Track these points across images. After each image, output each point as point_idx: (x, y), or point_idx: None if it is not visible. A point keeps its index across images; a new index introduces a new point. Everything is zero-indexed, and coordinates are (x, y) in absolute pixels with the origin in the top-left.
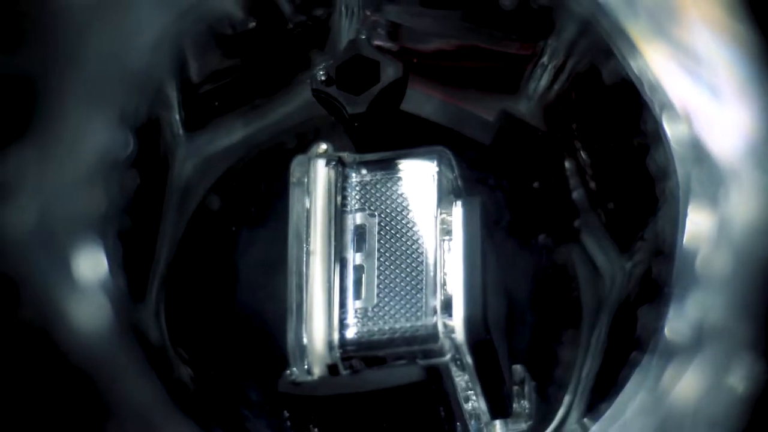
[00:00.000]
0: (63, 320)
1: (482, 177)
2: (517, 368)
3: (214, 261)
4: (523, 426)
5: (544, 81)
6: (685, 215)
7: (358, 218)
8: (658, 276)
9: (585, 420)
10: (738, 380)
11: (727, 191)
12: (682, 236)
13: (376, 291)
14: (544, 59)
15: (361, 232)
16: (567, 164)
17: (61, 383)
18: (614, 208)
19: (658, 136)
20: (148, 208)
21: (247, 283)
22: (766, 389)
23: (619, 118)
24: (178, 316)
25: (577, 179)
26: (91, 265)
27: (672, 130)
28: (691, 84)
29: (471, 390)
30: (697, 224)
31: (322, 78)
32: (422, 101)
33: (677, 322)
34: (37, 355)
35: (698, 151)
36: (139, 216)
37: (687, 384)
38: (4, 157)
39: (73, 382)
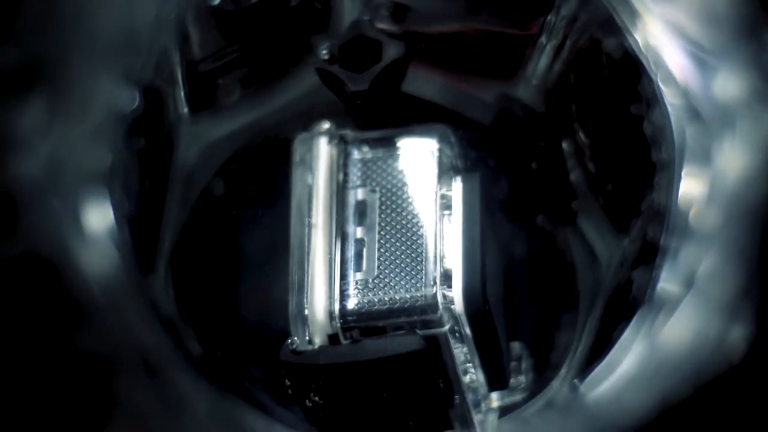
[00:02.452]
0: (73, 265)
1: (482, 157)
2: (515, 345)
3: (218, 244)
4: (518, 397)
5: (543, 62)
6: (680, 177)
7: (360, 194)
8: (653, 239)
9: (575, 381)
10: (730, 327)
11: (720, 145)
12: (677, 197)
13: (376, 263)
14: (543, 38)
15: (362, 208)
16: (565, 145)
17: (72, 327)
18: (612, 190)
19: (655, 97)
20: (152, 187)
21: (251, 266)
22: (756, 335)
23: (618, 88)
24: (185, 295)
25: (575, 160)
26: (99, 216)
27: (668, 89)
28: (686, 43)
29: (470, 363)
30: (691, 182)
31: (326, 57)
32: (423, 83)
33: (670, 278)
34: (49, 297)
35: (693, 108)
36: (144, 196)
37: (679, 331)
38: (17, 109)
39: (84, 327)
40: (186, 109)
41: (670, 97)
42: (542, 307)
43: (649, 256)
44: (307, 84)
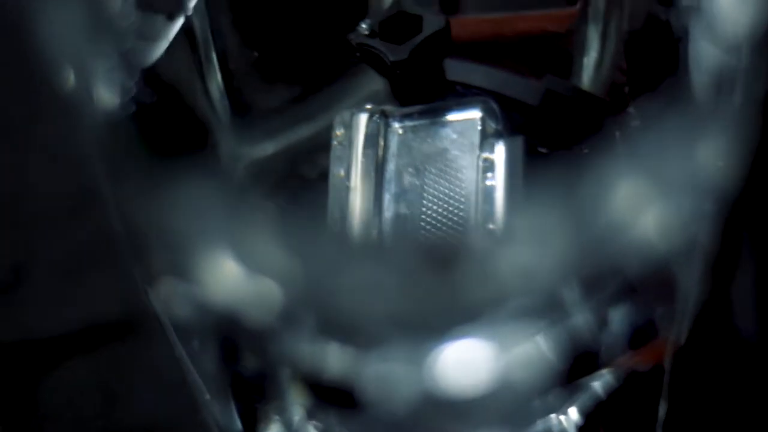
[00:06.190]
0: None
1: (528, 140)
2: None
3: None
4: None
5: (592, 55)
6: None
7: (400, 165)
8: None
9: None
10: None
11: None
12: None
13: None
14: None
15: (401, 177)
16: (617, 131)
17: None
18: None
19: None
20: None
21: None
22: None
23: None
24: None
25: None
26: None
27: None
28: None
29: None
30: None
31: (366, 32)
32: (468, 72)
33: None
34: None
35: None
36: None
37: None
38: None
39: None
40: (226, 101)
41: None
42: None
43: None
44: (358, 97)
